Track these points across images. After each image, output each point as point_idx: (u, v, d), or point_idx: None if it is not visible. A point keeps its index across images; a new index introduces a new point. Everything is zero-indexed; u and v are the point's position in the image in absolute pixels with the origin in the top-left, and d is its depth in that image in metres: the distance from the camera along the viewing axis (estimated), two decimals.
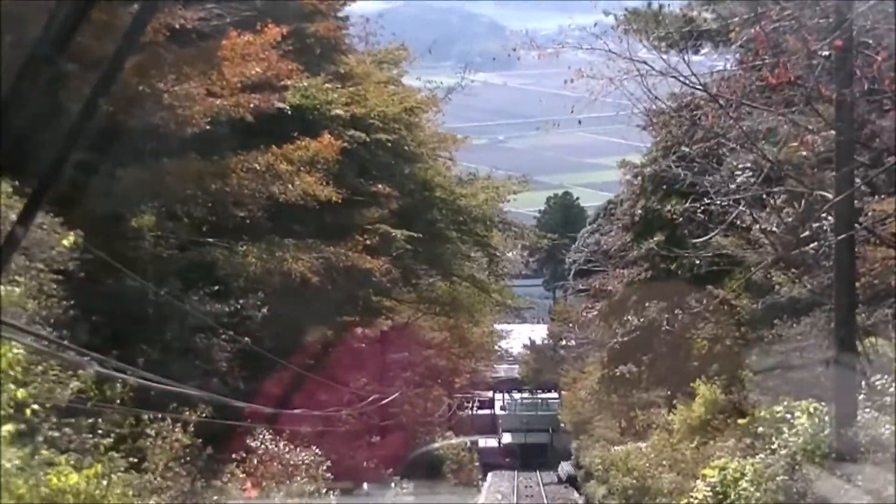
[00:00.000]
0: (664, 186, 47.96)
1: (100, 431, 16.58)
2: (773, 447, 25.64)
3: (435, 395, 56.27)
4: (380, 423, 38.59)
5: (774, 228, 33.37)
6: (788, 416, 25.53)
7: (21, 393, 13.30)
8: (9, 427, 12.68)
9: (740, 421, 33.63)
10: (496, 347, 74.26)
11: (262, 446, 23.51)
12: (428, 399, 52.53)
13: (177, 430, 19.03)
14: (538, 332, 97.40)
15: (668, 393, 50.97)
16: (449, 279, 47.06)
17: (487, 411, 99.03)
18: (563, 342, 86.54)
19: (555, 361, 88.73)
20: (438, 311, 49.74)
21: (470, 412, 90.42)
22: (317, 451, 25.24)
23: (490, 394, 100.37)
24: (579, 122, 32.36)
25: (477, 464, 75.93)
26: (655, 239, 49.04)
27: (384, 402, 37.67)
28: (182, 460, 19.08)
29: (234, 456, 23.02)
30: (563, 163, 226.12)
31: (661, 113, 46.45)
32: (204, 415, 19.81)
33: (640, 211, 50.10)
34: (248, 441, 23.46)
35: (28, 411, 13.61)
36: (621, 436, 60.07)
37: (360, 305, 37.75)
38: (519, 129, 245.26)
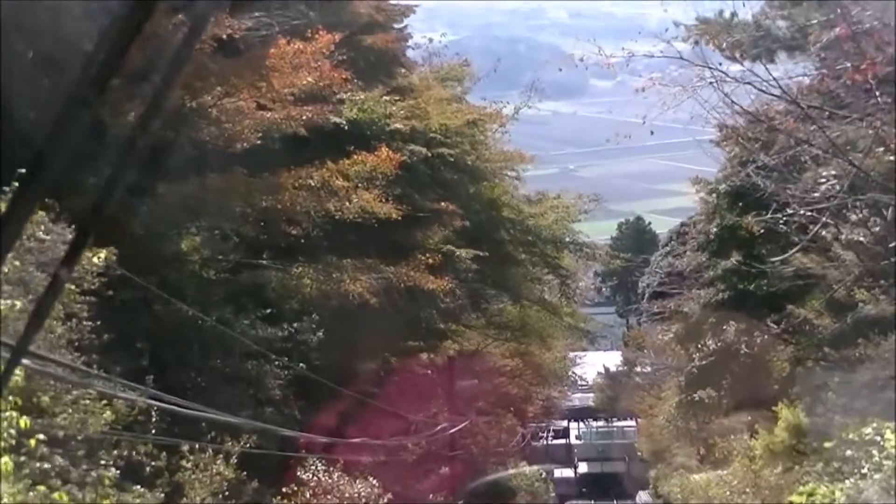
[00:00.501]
0: (740, 203, 46.34)
1: (120, 463, 14.79)
2: (863, 471, 24.29)
3: (507, 424, 54.43)
4: (448, 453, 36.60)
5: (861, 239, 31.61)
6: (878, 438, 24.17)
7: (24, 422, 11.67)
8: (6, 459, 11.04)
9: (826, 444, 31.78)
10: (569, 374, 70.47)
11: (315, 478, 21.62)
12: (499, 428, 50.61)
13: (218, 461, 17.28)
14: (612, 360, 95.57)
15: (749, 418, 48.96)
16: (519, 303, 45.09)
17: (562, 441, 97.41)
18: (638, 368, 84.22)
19: (630, 388, 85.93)
20: (508, 336, 47.67)
21: (544, 442, 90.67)
22: (375, 482, 23.25)
23: (565, 423, 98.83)
24: (651, 133, 30.94)
25: (552, 494, 74.32)
26: (732, 258, 47.27)
27: (452, 431, 35.76)
28: (222, 494, 17.27)
29: (284, 490, 21.17)
30: (633, 190, 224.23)
31: (736, 127, 45.31)
32: (248, 445, 18.07)
33: (715, 229, 48.38)
34: (299, 473, 21.57)
35: (32, 442, 11.97)
36: (700, 463, 58.15)
37: (424, 329, 35.93)
38: (589, 158, 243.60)
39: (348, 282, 28.45)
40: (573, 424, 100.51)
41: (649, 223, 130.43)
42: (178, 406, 14.73)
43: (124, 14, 3.83)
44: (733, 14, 38.90)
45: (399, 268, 30.78)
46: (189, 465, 17.03)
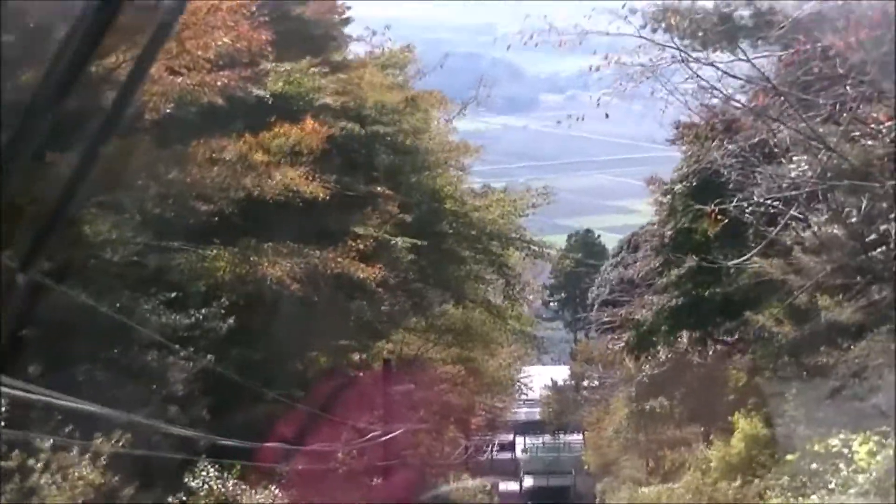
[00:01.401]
0: (696, 206, 43.70)
1: None
2: (829, 486, 23.27)
3: (449, 436, 51.40)
4: (383, 463, 33.29)
5: (836, 231, 29.22)
6: (846, 450, 22.97)
7: None
8: None
9: (789, 457, 29.93)
10: (514, 383, 65.33)
11: (205, 486, 18.22)
12: (441, 439, 47.46)
13: (84, 463, 13.98)
14: (560, 374, 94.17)
15: (703, 429, 46.51)
16: (461, 304, 41.66)
17: (508, 454, 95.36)
18: (586, 382, 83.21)
19: (577, 402, 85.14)
20: (450, 340, 44.18)
21: (489, 455, 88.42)
22: (277, 492, 19.82)
23: (510, 436, 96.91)
24: (606, 116, 28.41)
25: None
26: (687, 263, 44.55)
27: (385, 438, 32.47)
28: (84, 501, 13.95)
29: (169, 500, 17.82)
30: (583, 205, 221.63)
31: (701, 112, 42.89)
32: (122, 444, 14.80)
33: (669, 232, 45.63)
34: (186, 480, 18.17)
35: None
36: (649, 476, 56.39)
37: (355, 326, 32.37)
38: (538, 172, 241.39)
39: (266, 265, 25.11)
40: (519, 438, 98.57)
41: (598, 236, 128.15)
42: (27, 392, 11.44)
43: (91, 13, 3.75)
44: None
45: (326, 253, 27.25)
46: (40, 465, 13.70)
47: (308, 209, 27.08)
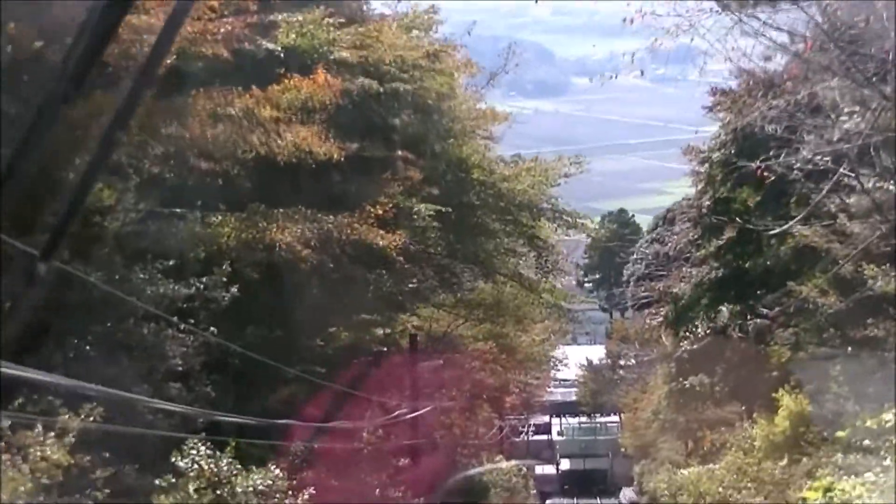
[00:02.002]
0: (735, 174, 41.78)
1: None
2: (884, 463, 22.28)
3: (482, 416, 49.41)
4: (411, 443, 31.32)
5: (886, 192, 27.47)
6: None
7: None
8: None
9: (839, 434, 27.99)
10: (549, 357, 62.24)
11: (195, 465, 16.26)
12: (473, 419, 45.46)
13: (48, 441, 12.09)
14: (595, 354, 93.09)
15: (743, 408, 44.38)
16: (491, 278, 39.51)
17: (544, 437, 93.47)
18: (622, 362, 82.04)
19: (614, 382, 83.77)
20: (481, 316, 42.09)
21: (525, 437, 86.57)
22: (278, 472, 17.83)
23: (546, 418, 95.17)
24: (642, 73, 26.53)
25: (533, 491, 70.05)
26: (726, 234, 42.60)
27: (413, 417, 30.49)
28: (48, 484, 12.03)
29: (157, 481, 15.89)
30: (615, 188, 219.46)
31: (729, 92, 41.32)
32: (92, 418, 12.90)
33: (708, 202, 43.67)
34: (174, 459, 16.23)
35: None
36: (688, 458, 54.59)
37: (378, 299, 30.11)
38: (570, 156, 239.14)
39: (275, 230, 23.02)
40: (555, 420, 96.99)
41: (632, 215, 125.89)
42: None
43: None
44: None
45: (342, 219, 24.99)
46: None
47: (321, 172, 24.84)
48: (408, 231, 29.87)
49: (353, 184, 27.36)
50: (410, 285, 32.49)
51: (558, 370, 79.11)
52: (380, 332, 30.11)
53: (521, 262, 39.65)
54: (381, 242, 25.88)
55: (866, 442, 23.96)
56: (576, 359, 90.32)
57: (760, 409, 39.51)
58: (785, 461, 32.99)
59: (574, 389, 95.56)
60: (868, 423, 24.29)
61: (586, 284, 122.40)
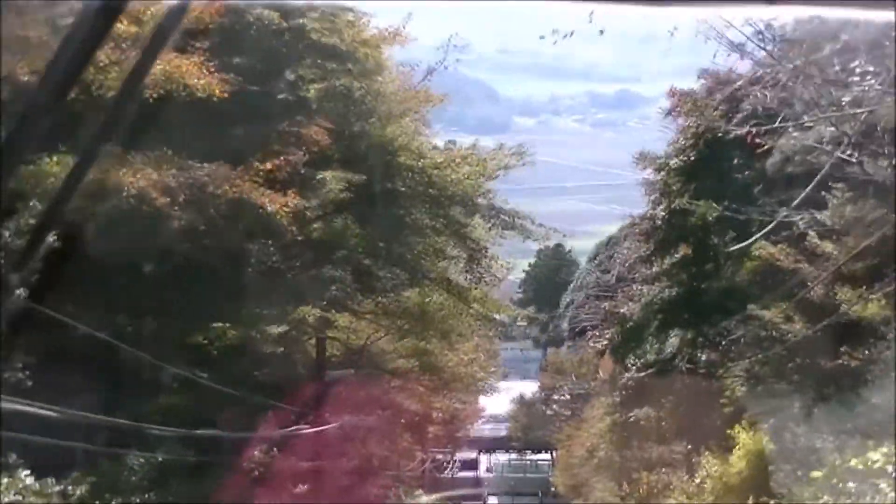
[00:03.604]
0: (693, 184, 37.90)
1: None
2: None
3: (402, 445, 44.42)
4: (312, 467, 26.22)
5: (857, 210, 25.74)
6: (890, 467, 20.19)
7: None
8: None
9: (814, 474, 24.06)
10: (478, 381, 54.58)
11: None
12: (392, 447, 40.47)
13: None
14: (528, 388, 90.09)
15: (689, 447, 40.02)
16: (418, 283, 34.24)
17: (471, 473, 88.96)
18: (557, 396, 78.63)
19: (547, 417, 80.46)
20: (405, 327, 36.81)
21: (451, 473, 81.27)
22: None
23: (474, 455, 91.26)
24: (601, 33, 22.93)
25: None
26: (682, 252, 38.41)
27: (316, 435, 25.39)
28: None
29: None
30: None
31: (689, 94, 38.95)
32: None
33: (663, 213, 39.29)
34: None
35: None
36: (623, 500, 49.93)
37: (268, 282, 24.74)
38: (507, 195, 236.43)
39: (126, 174, 17.73)
40: (483, 456, 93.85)
41: (569, 250, 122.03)
42: None
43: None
44: None
45: (220, 170, 19.62)
46: None
47: (199, 111, 19.66)
48: (315, 212, 24.73)
49: (238, 130, 21.87)
50: (312, 273, 27.23)
51: (488, 395, 74.70)
52: (275, 329, 24.37)
53: (450, 265, 34.37)
54: (269, 206, 20.51)
55: (850, 484, 21.19)
56: (508, 394, 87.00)
57: (711, 448, 35.24)
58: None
59: (505, 424, 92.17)
60: (853, 463, 21.45)
61: (519, 322, 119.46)
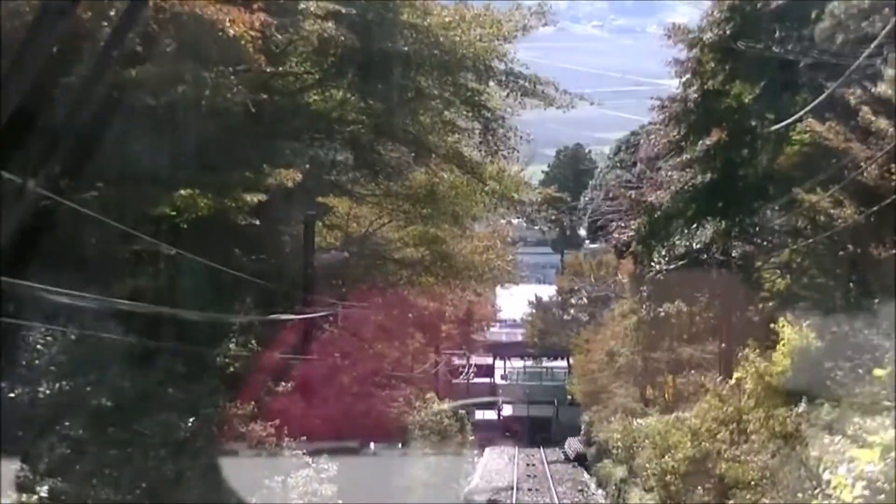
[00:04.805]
0: (727, 64, 34.00)
1: None
2: None
3: (413, 346, 40.74)
4: (303, 361, 22.32)
5: None
6: None
7: None
8: None
9: (877, 372, 19.91)
10: (494, 269, 48.21)
11: None
12: (400, 347, 36.74)
13: None
14: (545, 293, 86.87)
15: (723, 346, 36.60)
16: (425, 161, 29.91)
17: (486, 379, 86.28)
18: (574, 300, 77.16)
19: (564, 322, 78.35)
20: (410, 212, 32.48)
21: (466, 379, 79.26)
22: None
23: (489, 360, 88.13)
24: None
25: (471, 438, 62.73)
26: (716, 136, 34.58)
27: (306, 321, 21.50)
28: None
29: None
30: (571, 138, 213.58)
31: None
32: None
33: (695, 95, 35.48)
34: None
35: None
36: (645, 406, 48.38)
37: (238, 134, 20.37)
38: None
39: None
40: (499, 362, 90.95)
41: (589, 151, 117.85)
42: None
43: None
44: None
45: None
46: None
47: None
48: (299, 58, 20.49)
49: None
50: (288, 115, 23.07)
51: (505, 287, 70.82)
52: (252, 198, 19.91)
53: (462, 139, 30.09)
54: (230, 29, 16.09)
55: None
56: (523, 298, 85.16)
57: (748, 346, 31.45)
58: (799, 406, 24.69)
59: (520, 330, 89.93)
60: None
61: (537, 223, 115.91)
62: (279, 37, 17.99)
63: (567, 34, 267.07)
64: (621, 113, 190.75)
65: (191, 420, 16.98)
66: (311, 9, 20.49)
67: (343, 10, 23.30)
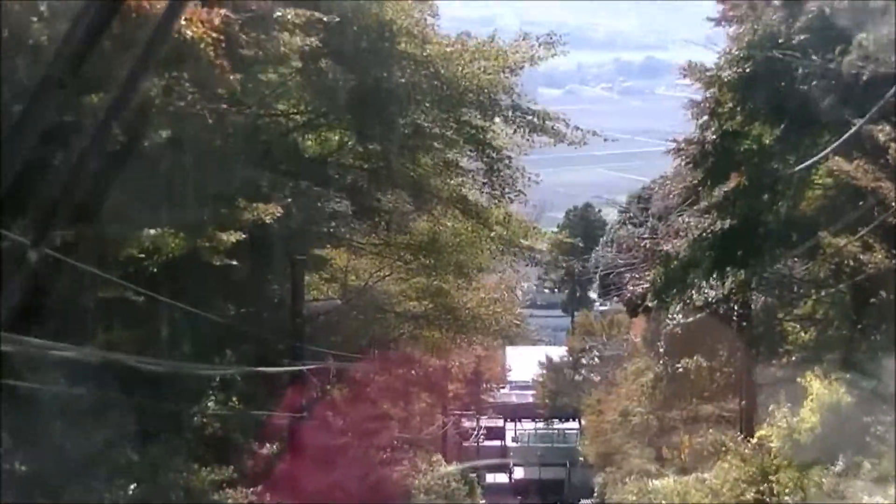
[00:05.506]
0: (748, 103, 32.17)
1: None
2: None
3: (419, 406, 38.68)
4: (293, 417, 20.12)
5: None
6: None
7: None
8: None
9: None
10: (501, 320, 44.18)
11: None
12: (406, 406, 34.69)
13: None
14: (555, 353, 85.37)
15: (743, 403, 35.16)
16: (427, 207, 27.57)
17: (496, 442, 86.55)
18: (585, 360, 75.34)
19: (575, 383, 76.30)
20: (411, 262, 30.10)
21: (476, 442, 79.55)
22: None
23: (500, 422, 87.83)
24: None
25: (482, 502, 61.64)
26: (735, 180, 32.74)
27: (298, 374, 19.37)
28: None
29: None
30: (577, 200, 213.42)
31: None
32: None
33: (713, 137, 33.42)
34: None
35: None
36: (661, 467, 46.69)
37: (208, 163, 17.87)
38: (533, 166, 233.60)
39: None
40: (509, 425, 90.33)
41: (599, 210, 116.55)
42: None
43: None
44: None
45: None
46: None
47: None
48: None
49: None
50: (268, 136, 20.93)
51: (514, 346, 69.39)
52: (226, 237, 17.40)
53: (465, 181, 27.79)
54: (188, 31, 13.69)
55: None
56: (533, 359, 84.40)
57: (772, 405, 29.63)
58: (837, 465, 22.80)
59: (531, 392, 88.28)
60: None
61: (546, 289, 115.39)
62: (244, 37, 15.72)
63: (576, 97, 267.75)
64: (631, 175, 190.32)
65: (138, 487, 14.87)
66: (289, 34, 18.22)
67: (334, 41, 21.42)
